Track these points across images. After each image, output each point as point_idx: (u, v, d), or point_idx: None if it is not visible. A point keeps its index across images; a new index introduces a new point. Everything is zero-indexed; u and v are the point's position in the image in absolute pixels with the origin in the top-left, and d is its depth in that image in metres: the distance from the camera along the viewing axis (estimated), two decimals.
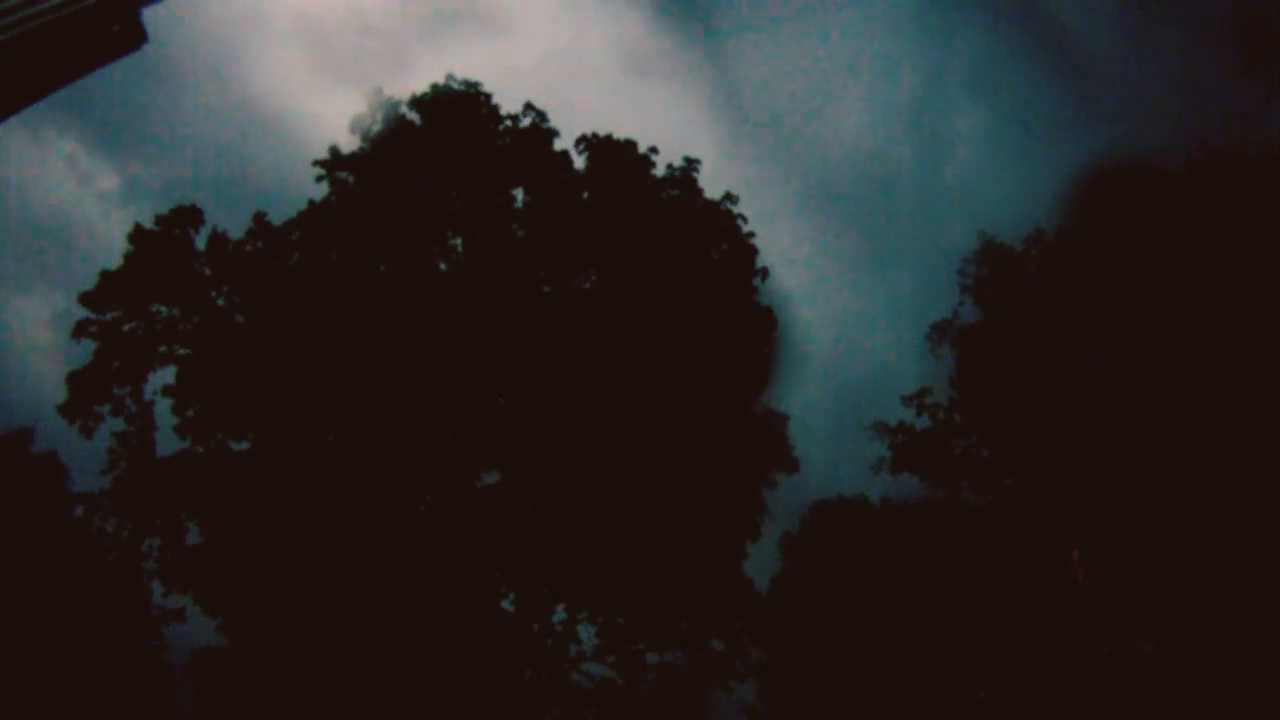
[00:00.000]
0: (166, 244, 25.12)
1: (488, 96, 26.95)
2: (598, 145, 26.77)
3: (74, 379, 24.40)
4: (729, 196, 26.94)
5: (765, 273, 26.77)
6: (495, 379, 25.11)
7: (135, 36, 7.13)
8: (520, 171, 26.58)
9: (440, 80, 27.03)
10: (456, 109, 26.69)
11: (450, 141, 26.25)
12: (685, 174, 26.81)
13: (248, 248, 25.32)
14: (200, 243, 25.40)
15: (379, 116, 26.80)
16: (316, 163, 26.05)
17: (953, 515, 28.63)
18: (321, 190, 26.00)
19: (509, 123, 26.84)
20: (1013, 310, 28.64)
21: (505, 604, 24.89)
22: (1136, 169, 28.02)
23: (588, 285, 26.38)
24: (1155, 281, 26.52)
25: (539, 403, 24.90)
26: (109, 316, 24.59)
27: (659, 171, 26.81)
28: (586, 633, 25.49)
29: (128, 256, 24.88)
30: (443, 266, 26.10)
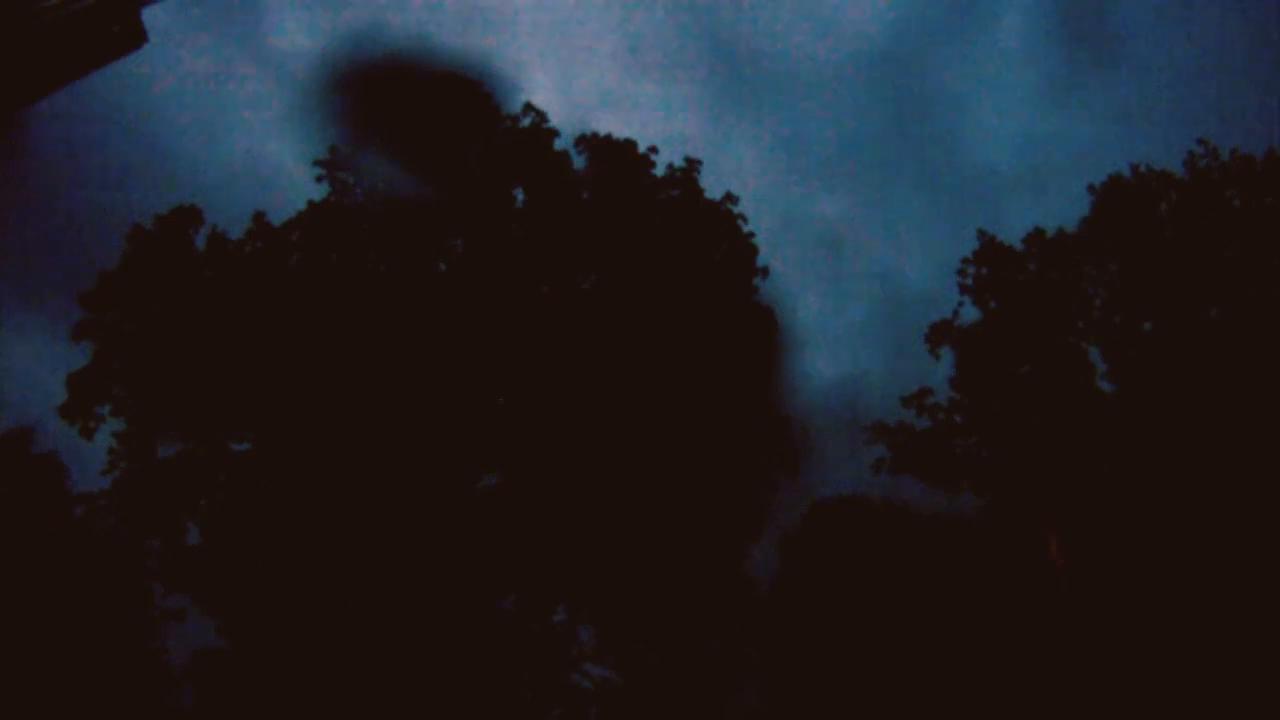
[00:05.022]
0: (166, 244, 25.11)
1: (488, 95, 26.96)
2: (597, 145, 26.79)
3: (74, 379, 24.39)
4: (729, 197, 27.04)
5: (766, 271, 26.86)
6: (496, 379, 25.12)
7: (135, 36, 7.10)
8: (520, 171, 26.59)
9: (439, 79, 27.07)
10: (456, 108, 26.68)
11: (450, 140, 26.24)
12: (686, 174, 26.85)
13: (247, 248, 25.33)
14: (200, 243, 25.42)
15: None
16: (316, 162, 26.06)
17: (953, 515, 28.60)
18: (321, 190, 26.07)
19: (509, 122, 26.86)
20: (1012, 310, 28.62)
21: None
22: (1140, 168, 27.99)
23: (588, 286, 26.39)
24: (1156, 279, 26.53)
25: (539, 403, 24.91)
26: (109, 317, 24.59)
27: (659, 171, 26.88)
28: (586, 633, 25.51)
29: (126, 257, 24.88)
30: (443, 267, 26.12)
